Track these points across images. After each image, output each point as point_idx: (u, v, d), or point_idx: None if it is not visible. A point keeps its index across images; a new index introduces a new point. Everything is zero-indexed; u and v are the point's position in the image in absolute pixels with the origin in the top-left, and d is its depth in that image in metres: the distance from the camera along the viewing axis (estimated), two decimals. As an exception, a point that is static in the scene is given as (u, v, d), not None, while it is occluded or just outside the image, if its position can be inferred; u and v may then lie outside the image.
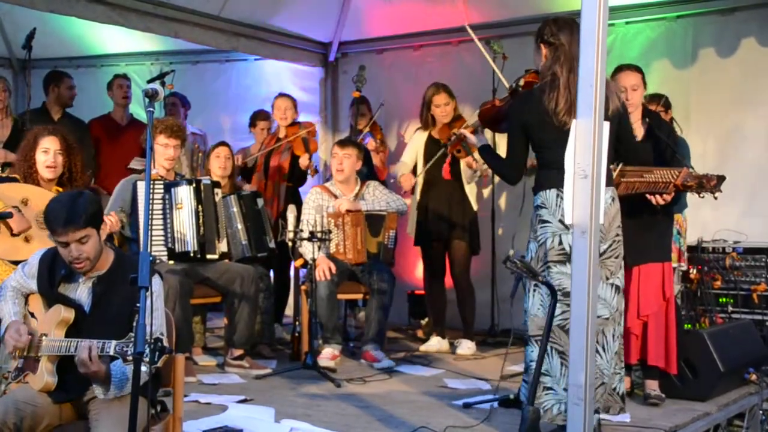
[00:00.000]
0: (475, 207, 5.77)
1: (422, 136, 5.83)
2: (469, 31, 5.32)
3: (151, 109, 2.99)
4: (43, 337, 3.11)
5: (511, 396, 4.17)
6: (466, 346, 5.64)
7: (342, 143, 5.66)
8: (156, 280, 3.04)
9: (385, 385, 4.77)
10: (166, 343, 2.76)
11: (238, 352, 5.01)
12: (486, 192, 6.21)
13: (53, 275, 3.20)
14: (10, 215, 3.76)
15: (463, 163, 5.63)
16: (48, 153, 4.32)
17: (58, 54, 7.56)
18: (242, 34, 6.61)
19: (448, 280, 5.83)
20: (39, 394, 3.07)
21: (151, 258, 2.78)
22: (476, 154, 5.56)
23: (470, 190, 5.74)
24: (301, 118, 6.38)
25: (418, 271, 6.53)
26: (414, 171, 5.83)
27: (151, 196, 4.77)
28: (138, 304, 2.68)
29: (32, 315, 3.28)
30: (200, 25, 6.27)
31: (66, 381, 3.09)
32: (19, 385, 3.14)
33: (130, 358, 2.81)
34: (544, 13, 6.05)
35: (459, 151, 5.20)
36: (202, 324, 5.52)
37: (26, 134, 4.56)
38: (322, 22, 7.13)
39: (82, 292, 3.17)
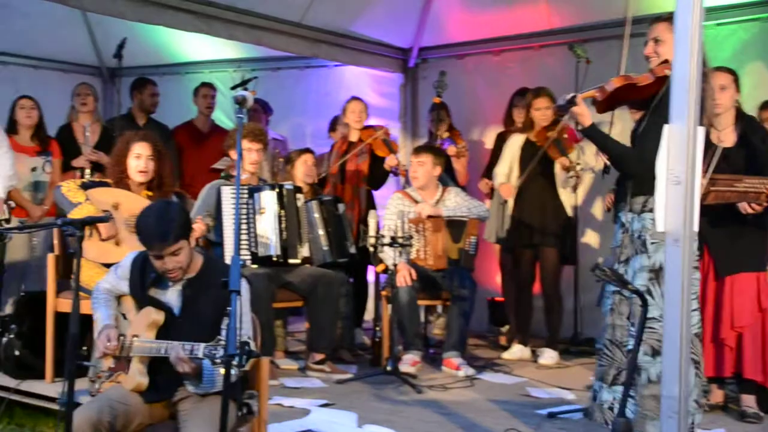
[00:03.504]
0: (569, 213, 5.67)
1: (518, 140, 5.76)
2: None
3: (241, 115, 3.05)
4: (134, 339, 3.19)
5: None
6: (549, 356, 5.54)
7: (416, 150, 5.67)
8: (244, 284, 3.08)
9: (467, 392, 4.73)
10: (253, 347, 2.80)
11: (320, 356, 5.04)
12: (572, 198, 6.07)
13: (144, 278, 3.28)
14: (107, 218, 3.87)
15: (557, 166, 5.56)
16: (140, 158, 4.43)
17: (145, 62, 7.74)
18: (323, 41, 6.66)
19: (535, 288, 5.76)
20: (131, 393, 3.15)
21: (241, 262, 2.82)
22: (572, 155, 5.51)
23: (565, 195, 5.64)
24: (381, 124, 6.38)
25: (499, 277, 6.46)
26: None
27: (235, 201, 4.88)
28: (228, 308, 2.73)
29: (124, 316, 3.36)
30: (282, 32, 6.34)
31: (157, 381, 3.16)
32: (112, 384, 3.22)
33: (219, 360, 2.86)
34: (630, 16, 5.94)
35: (557, 146, 5.19)
36: (283, 328, 5.57)
37: (118, 139, 4.68)
38: (402, 27, 7.13)
39: (172, 295, 3.24)
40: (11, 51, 7.50)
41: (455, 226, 5.39)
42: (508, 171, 5.74)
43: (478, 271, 5.81)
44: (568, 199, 5.66)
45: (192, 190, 6.01)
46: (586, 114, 3.72)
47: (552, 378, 5.06)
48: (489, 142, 6.71)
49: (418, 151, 5.64)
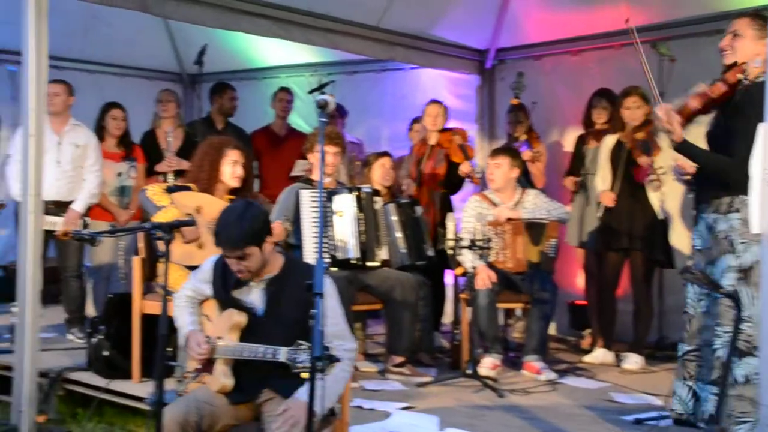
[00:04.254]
0: (660, 216, 5.51)
1: (610, 141, 5.64)
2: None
3: (324, 119, 3.07)
4: (218, 341, 3.23)
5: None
6: (634, 360, 5.40)
7: (493, 152, 5.63)
8: (327, 281, 3.07)
9: (549, 397, 4.66)
10: (333, 352, 2.80)
11: (399, 359, 5.02)
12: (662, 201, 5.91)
13: (227, 280, 3.32)
14: (193, 222, 3.95)
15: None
16: (237, 165, 4.56)
17: (223, 68, 7.87)
18: (399, 44, 6.64)
19: (618, 291, 5.64)
20: (216, 394, 3.19)
21: (325, 265, 2.83)
22: (658, 158, 5.37)
23: (655, 198, 5.49)
24: (460, 127, 6.34)
25: (579, 280, 6.35)
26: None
27: (314, 205, 4.92)
28: (313, 310, 2.73)
29: (207, 318, 3.41)
30: (358, 35, 6.35)
31: (241, 383, 3.19)
32: (198, 384, 3.27)
33: (300, 365, 2.87)
34: (716, 11, 5.76)
35: (642, 147, 5.13)
36: (362, 330, 5.59)
37: (205, 144, 4.73)
38: (479, 29, 7.07)
39: (255, 294, 3.27)
40: (96, 59, 7.72)
41: (535, 229, 5.31)
42: (604, 175, 5.63)
43: (559, 274, 5.73)
44: (658, 202, 5.51)
45: (268, 193, 6.09)
46: (676, 131, 3.74)
47: (637, 383, 4.94)
48: (568, 143, 6.60)
49: (494, 153, 5.60)
